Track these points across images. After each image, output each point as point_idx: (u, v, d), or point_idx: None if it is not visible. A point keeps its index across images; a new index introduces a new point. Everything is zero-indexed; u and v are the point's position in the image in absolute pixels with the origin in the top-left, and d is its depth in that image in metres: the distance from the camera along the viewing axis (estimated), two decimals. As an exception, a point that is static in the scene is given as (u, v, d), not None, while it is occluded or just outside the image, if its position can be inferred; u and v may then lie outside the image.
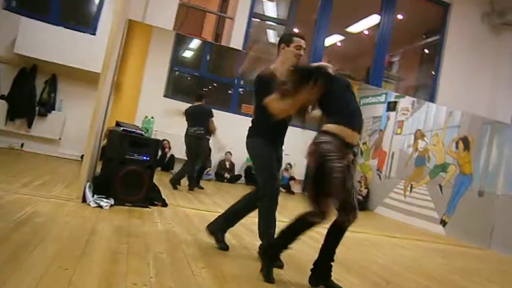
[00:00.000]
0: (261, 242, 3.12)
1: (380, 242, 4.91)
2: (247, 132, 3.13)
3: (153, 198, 4.51)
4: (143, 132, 4.55)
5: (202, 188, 7.13)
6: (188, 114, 6.85)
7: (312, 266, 2.66)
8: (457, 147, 7.30)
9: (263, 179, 3.02)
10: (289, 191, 10.12)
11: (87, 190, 3.96)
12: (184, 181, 6.59)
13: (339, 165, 2.41)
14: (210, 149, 7.60)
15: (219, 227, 3.24)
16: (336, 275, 2.74)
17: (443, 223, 7.21)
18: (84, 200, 3.89)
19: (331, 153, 2.40)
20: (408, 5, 6.35)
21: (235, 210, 3.29)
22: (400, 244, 5.02)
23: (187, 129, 6.78)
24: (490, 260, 5.24)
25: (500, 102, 6.24)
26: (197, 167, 6.98)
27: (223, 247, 3.15)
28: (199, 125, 6.65)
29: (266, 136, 3.00)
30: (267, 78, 2.93)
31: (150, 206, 4.30)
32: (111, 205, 3.93)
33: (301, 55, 3.00)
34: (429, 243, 5.67)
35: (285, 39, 3.05)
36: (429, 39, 6.62)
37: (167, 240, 3.13)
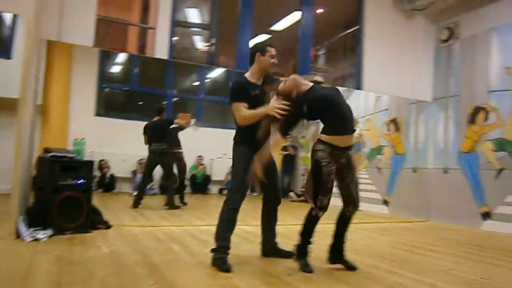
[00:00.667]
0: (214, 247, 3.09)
1: (328, 230, 5.04)
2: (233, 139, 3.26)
3: (95, 222, 4.33)
4: (74, 155, 4.33)
5: (186, 204, 7.00)
6: (148, 130, 6.66)
7: (329, 248, 3.11)
8: (388, 129, 7.68)
9: (235, 187, 3.16)
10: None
11: (20, 224, 3.71)
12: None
13: (330, 168, 2.85)
14: (184, 163, 7.36)
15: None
16: (286, 262, 2.86)
17: (386, 203, 7.56)
18: (18, 236, 3.65)
19: (323, 159, 2.84)
20: (326, -1, 6.60)
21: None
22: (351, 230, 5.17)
23: (149, 146, 6.62)
24: (431, 231, 5.55)
25: (421, 82, 6.66)
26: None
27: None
28: (161, 141, 6.52)
29: (251, 144, 3.09)
30: (242, 84, 3.17)
31: (92, 230, 4.13)
32: (50, 236, 3.72)
33: (275, 63, 3.23)
34: (375, 224, 5.92)
35: (260, 49, 3.22)
36: (350, 30, 6.90)
37: (113, 263, 3.00)
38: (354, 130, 3.03)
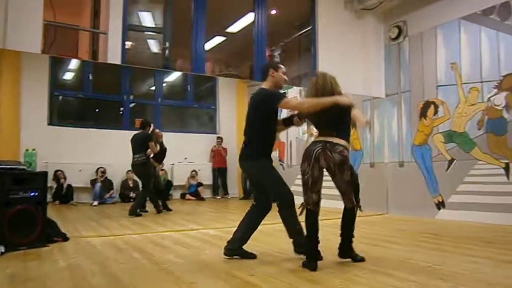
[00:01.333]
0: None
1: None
2: (242, 153, 3.46)
3: (51, 235, 4.17)
4: (25, 166, 4.16)
5: (171, 210, 7.19)
6: (131, 142, 6.88)
7: (338, 245, 3.33)
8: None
9: (281, 191, 3.38)
10: (198, 197, 10.06)
11: (-32, 243, 3.53)
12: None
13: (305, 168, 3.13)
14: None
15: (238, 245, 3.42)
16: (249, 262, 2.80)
17: (346, 198, 7.72)
18: (-33, 254, 3.47)
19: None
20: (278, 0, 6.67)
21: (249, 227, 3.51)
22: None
23: (132, 158, 6.82)
24: (389, 223, 5.74)
25: (373, 79, 6.88)
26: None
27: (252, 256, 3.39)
28: (140, 152, 6.73)
29: (268, 155, 3.44)
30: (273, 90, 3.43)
31: (49, 244, 3.98)
32: (2, 253, 3.55)
33: (286, 80, 3.51)
34: (337, 220, 6.01)
35: (274, 66, 3.50)
36: (303, 30, 7.02)
37: (71, 276, 2.91)
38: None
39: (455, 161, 5.87)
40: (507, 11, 5.34)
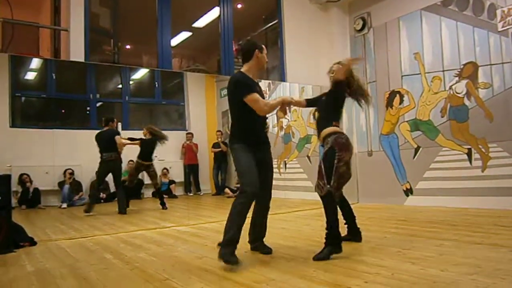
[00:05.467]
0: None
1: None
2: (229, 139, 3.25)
3: (18, 240, 4.04)
4: (-14, 170, 4.01)
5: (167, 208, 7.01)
6: (97, 141, 6.77)
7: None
8: (314, 118, 7.92)
9: (243, 180, 3.09)
10: (170, 195, 9.94)
11: None
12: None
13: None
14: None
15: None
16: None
17: (318, 189, 7.82)
18: None
19: None
20: (243, -6, 6.66)
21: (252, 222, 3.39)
22: (282, 219, 5.31)
23: (101, 156, 6.72)
24: (360, 211, 5.75)
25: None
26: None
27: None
28: (108, 150, 6.65)
29: (247, 141, 3.14)
30: (247, 76, 3.17)
31: (15, 250, 3.86)
32: (-35, 261, 3.43)
33: (267, 61, 3.37)
34: (309, 211, 6.11)
35: (259, 47, 3.25)
36: (270, 24, 7.03)
37: (39, 281, 2.83)
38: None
39: (421, 148, 6.04)
40: (465, 2, 5.52)
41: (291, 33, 6.44)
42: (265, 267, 2.89)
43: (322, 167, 3.19)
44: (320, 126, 3.37)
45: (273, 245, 3.44)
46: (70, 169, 8.90)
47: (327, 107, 3.39)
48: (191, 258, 3.28)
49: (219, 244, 3.01)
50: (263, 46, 3.30)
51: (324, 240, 3.10)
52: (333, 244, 3.05)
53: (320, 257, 2.99)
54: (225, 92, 10.06)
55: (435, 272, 2.54)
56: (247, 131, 3.18)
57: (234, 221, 2.96)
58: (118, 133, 6.74)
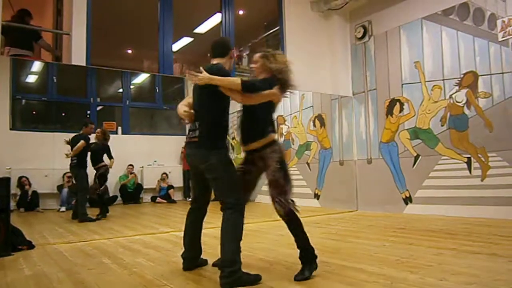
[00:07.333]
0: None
1: (262, 228, 5.14)
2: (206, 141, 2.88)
3: (16, 243, 4.04)
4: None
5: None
6: (69, 145, 6.79)
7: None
8: (314, 125, 7.96)
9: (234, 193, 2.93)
10: (169, 200, 9.95)
11: None
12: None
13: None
14: (102, 175, 7.18)
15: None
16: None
17: (317, 196, 7.83)
18: None
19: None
20: (246, 0, 6.68)
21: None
22: (280, 225, 5.27)
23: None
24: (359, 219, 5.84)
25: (341, 78, 6.99)
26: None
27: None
28: (75, 155, 6.66)
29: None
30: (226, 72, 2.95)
31: (13, 253, 3.86)
32: (-38, 264, 3.42)
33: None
34: (307, 218, 6.09)
35: (232, 45, 3.24)
36: (271, 30, 7.06)
37: (36, 285, 2.82)
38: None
39: (420, 157, 6.04)
40: (466, 12, 5.55)
41: (292, 40, 6.46)
42: (264, 274, 2.88)
43: (278, 179, 2.85)
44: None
45: (272, 252, 3.43)
46: (69, 172, 8.90)
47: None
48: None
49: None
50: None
51: (300, 260, 2.85)
52: (312, 261, 2.85)
53: (304, 278, 2.74)
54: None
55: (434, 281, 2.54)
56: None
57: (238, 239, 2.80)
58: (85, 139, 6.70)
